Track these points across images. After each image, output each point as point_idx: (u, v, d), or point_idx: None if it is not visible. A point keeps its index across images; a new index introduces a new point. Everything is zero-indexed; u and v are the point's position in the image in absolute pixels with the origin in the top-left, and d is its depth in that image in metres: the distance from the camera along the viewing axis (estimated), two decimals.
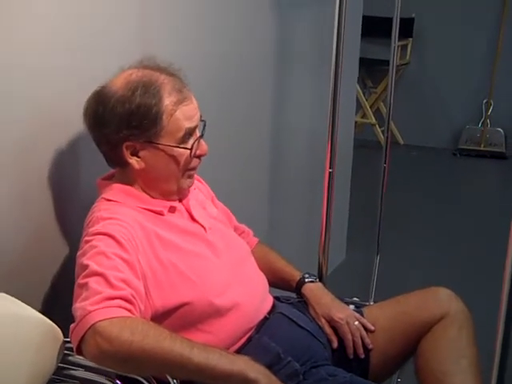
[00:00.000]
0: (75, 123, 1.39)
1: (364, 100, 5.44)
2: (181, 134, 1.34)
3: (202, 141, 1.40)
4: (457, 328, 1.47)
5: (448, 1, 5.28)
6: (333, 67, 1.71)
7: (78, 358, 1.20)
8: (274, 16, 2.27)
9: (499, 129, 5.37)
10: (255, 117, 2.27)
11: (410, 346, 1.50)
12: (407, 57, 5.51)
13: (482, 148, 5.33)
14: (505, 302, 0.78)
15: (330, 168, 1.69)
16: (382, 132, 5.45)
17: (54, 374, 1.20)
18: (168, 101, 1.32)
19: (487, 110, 5.37)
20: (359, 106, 5.40)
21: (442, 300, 1.53)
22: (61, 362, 1.20)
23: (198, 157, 1.40)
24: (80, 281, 1.20)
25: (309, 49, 2.55)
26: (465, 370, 1.37)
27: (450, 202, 4.26)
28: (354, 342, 1.51)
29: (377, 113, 5.46)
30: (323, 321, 1.53)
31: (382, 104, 5.44)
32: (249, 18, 2.13)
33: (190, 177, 1.42)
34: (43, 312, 1.18)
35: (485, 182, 4.90)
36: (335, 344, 1.51)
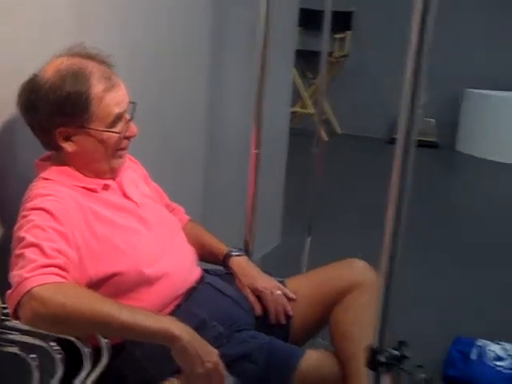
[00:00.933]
0: (12, 104, 1.45)
1: (303, 91, 5.60)
2: (110, 118, 1.44)
3: (131, 123, 1.50)
4: (368, 296, 1.59)
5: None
6: (259, 54, 1.82)
7: (15, 323, 1.28)
8: (209, 5, 2.36)
9: (431, 119, 5.62)
10: (190, 100, 2.34)
11: (327, 313, 1.62)
12: (346, 49, 5.68)
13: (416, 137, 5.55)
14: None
15: (255, 149, 1.82)
16: (321, 122, 5.62)
17: None
18: (97, 88, 1.41)
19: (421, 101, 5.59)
20: (299, 96, 5.56)
21: (356, 270, 1.66)
22: None
23: (128, 138, 1.51)
24: (17, 251, 1.29)
25: (246, 36, 2.63)
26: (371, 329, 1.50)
27: (383, 189, 4.44)
28: (276, 309, 1.64)
29: (317, 103, 5.61)
30: (248, 290, 1.65)
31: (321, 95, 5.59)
32: (183, 6, 2.21)
33: (121, 156, 1.53)
34: None
35: (416, 170, 5.11)
36: (259, 311, 1.63)
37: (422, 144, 5.55)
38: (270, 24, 1.99)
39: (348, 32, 5.63)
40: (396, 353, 0.96)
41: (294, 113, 5.17)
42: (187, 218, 1.83)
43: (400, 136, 0.91)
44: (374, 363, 0.95)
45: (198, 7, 2.29)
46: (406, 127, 0.90)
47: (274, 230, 3.27)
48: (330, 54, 5.30)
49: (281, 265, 2.94)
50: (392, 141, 5.61)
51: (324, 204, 3.66)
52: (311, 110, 5.58)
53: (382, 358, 0.94)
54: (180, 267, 1.54)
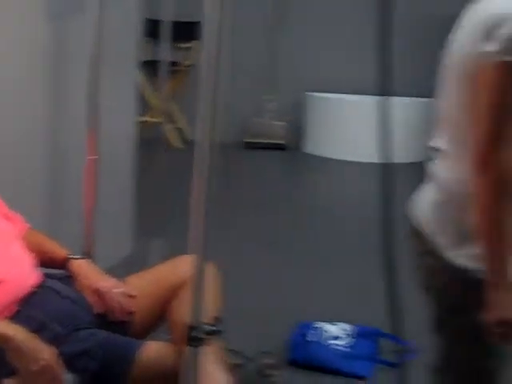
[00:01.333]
0: None
1: (152, 100, 5.67)
2: None
3: None
4: None
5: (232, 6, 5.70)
6: (92, 62, 1.87)
7: None
8: (50, 21, 2.37)
9: (280, 122, 5.90)
10: (33, 111, 2.35)
11: (165, 308, 1.70)
12: (193, 58, 5.82)
13: (265, 140, 5.80)
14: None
15: (91, 155, 1.86)
16: (172, 130, 5.73)
17: None
18: None
19: (270, 105, 5.88)
20: (148, 106, 5.62)
21: (187, 266, 1.73)
22: None
23: None
24: None
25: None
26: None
27: (235, 192, 4.60)
28: (115, 307, 1.69)
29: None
30: (88, 291, 1.69)
31: (170, 103, 5.71)
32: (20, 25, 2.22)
33: None
34: None
35: (266, 172, 5.37)
36: (99, 310, 1.68)
37: (270, 147, 5.86)
38: (105, 34, 2.05)
39: (194, 42, 5.76)
40: (209, 328, 1.05)
41: (144, 122, 5.21)
42: (27, 226, 1.85)
43: (199, 139, 1.00)
44: (189, 339, 1.04)
45: (36, 26, 2.30)
46: (204, 131, 0.99)
47: (124, 238, 3.30)
48: (176, 63, 5.43)
49: (132, 272, 2.98)
50: (245, 145, 5.84)
51: (177, 210, 3.74)
52: (160, 118, 5.65)
53: (196, 334, 1.04)
54: (16, 274, 1.57)
